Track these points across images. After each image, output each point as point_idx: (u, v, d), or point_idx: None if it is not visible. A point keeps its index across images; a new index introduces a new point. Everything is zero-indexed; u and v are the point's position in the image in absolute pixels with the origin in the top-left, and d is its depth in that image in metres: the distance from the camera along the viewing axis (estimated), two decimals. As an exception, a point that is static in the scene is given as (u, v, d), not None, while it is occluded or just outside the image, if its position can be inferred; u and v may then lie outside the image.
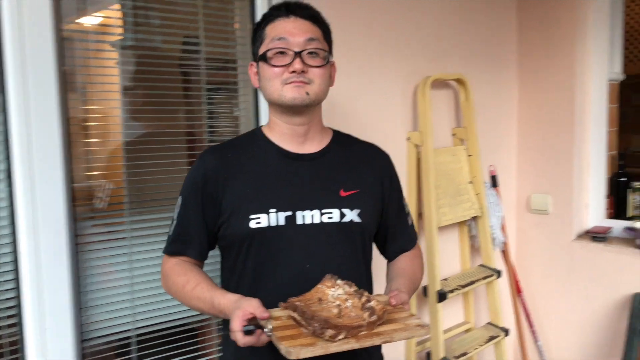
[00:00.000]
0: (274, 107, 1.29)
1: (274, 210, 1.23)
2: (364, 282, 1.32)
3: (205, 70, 1.77)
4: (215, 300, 1.17)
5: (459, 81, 2.17)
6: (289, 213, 1.23)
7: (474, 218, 2.21)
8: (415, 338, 2.06)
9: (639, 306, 2.12)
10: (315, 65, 1.23)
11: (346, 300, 1.10)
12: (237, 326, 1.05)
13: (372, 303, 1.08)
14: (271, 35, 1.25)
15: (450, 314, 2.27)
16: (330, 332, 1.01)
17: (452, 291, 2.03)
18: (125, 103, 1.67)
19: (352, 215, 1.27)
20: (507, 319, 2.38)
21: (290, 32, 1.23)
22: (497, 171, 2.39)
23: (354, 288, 1.13)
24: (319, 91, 1.25)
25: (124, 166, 1.65)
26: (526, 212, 2.53)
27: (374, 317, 1.05)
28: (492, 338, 2.16)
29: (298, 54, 1.22)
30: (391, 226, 1.40)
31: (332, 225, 1.25)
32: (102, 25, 1.67)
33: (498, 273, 2.18)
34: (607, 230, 2.34)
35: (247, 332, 1.04)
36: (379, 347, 1.35)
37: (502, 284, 2.35)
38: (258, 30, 1.30)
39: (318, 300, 1.10)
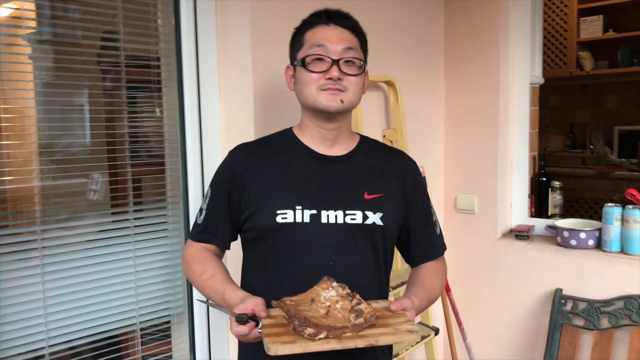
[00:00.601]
0: (307, 110, 1.33)
1: (300, 207, 1.27)
2: (384, 285, 1.39)
3: (126, 68, 1.67)
4: (227, 294, 1.23)
5: (389, 83, 2.18)
6: (314, 211, 1.27)
7: (405, 219, 2.22)
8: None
9: (559, 301, 2.21)
10: (351, 74, 1.28)
11: (337, 302, 1.12)
12: (232, 321, 1.11)
13: (361, 306, 1.10)
14: (310, 42, 1.30)
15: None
16: (309, 330, 1.03)
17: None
18: (40, 102, 1.56)
19: (374, 218, 1.31)
20: (437, 318, 2.41)
21: (329, 39, 1.28)
22: (425, 172, 2.41)
23: (346, 290, 1.15)
24: (352, 99, 1.30)
25: (39, 171, 1.53)
26: (453, 212, 2.58)
27: (359, 320, 1.07)
28: (423, 338, 2.18)
29: (336, 62, 1.26)
30: (414, 231, 1.42)
31: (355, 226, 1.29)
32: (13, 17, 1.56)
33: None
34: (530, 228, 2.42)
35: (240, 321, 1.09)
36: (388, 352, 1.41)
37: (432, 284, 2.37)
38: (297, 35, 1.35)
39: (311, 301, 1.12)
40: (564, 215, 2.68)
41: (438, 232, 1.48)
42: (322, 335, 1.04)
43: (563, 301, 2.20)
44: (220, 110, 1.78)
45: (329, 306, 1.11)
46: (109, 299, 1.63)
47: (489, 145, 2.45)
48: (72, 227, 1.60)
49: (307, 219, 1.27)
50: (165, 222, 1.77)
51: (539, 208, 2.66)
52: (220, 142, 1.78)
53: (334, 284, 1.16)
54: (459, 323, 2.38)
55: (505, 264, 2.41)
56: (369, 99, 2.18)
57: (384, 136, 2.23)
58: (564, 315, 2.19)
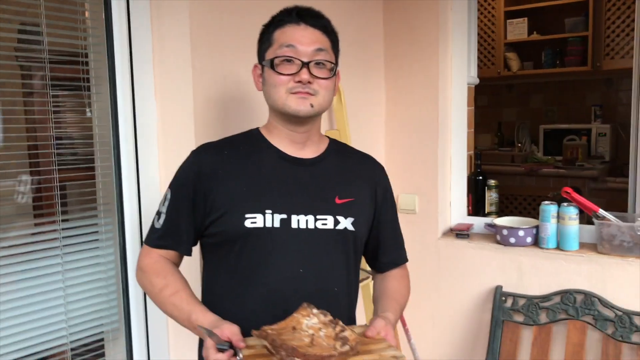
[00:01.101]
0: (276, 113, 1.28)
1: (270, 211, 1.22)
2: (352, 291, 1.36)
3: (48, 64, 1.52)
4: (194, 315, 1.16)
5: (331, 82, 2.13)
6: (284, 216, 1.23)
7: (349, 221, 2.18)
8: None
9: (500, 298, 2.25)
10: (321, 77, 1.23)
11: (320, 329, 1.09)
12: (212, 344, 1.05)
13: (346, 333, 1.07)
14: (280, 41, 1.24)
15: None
16: None
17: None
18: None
19: (346, 223, 1.27)
20: (382, 320, 2.40)
21: (300, 40, 1.23)
22: (368, 173, 2.39)
23: (329, 317, 1.12)
24: (323, 102, 1.25)
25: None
26: (395, 212, 2.57)
27: (345, 347, 1.04)
28: (369, 341, 2.15)
29: (306, 65, 1.21)
30: (384, 238, 1.41)
31: (326, 231, 1.25)
32: None
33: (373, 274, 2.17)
34: (470, 227, 2.45)
35: (220, 350, 1.04)
36: None
37: (376, 285, 2.35)
38: (265, 33, 1.29)
39: (292, 329, 1.08)
40: (499, 213, 2.74)
41: (402, 239, 1.49)
42: None
43: (503, 298, 2.24)
44: (156, 111, 1.65)
45: (313, 334, 1.07)
46: (35, 318, 1.49)
47: (429, 145, 2.46)
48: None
49: (277, 224, 1.22)
50: (97, 231, 1.64)
51: (475, 206, 2.71)
52: (157, 146, 1.66)
53: (315, 310, 1.12)
54: (404, 324, 2.37)
55: (446, 263, 2.43)
56: (311, 99, 2.13)
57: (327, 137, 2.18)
58: (505, 312, 2.23)
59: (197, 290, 1.32)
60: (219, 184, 1.24)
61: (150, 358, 1.71)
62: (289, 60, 1.22)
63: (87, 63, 1.62)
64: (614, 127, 4.22)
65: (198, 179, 1.25)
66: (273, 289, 1.21)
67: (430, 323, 2.48)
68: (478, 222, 2.49)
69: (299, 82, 1.21)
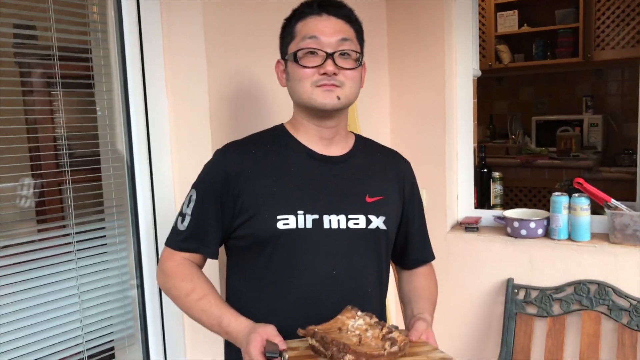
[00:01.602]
0: (302, 108, 1.24)
1: (302, 212, 1.18)
2: (384, 292, 1.33)
3: (52, 62, 1.44)
4: (225, 320, 1.13)
5: (341, 76, 2.09)
6: (316, 216, 1.19)
7: (360, 217, 2.15)
8: None
9: (512, 290, 2.24)
10: (347, 68, 1.19)
11: (366, 330, 1.07)
12: (257, 351, 1.02)
13: (394, 334, 1.05)
14: (302, 34, 1.20)
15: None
16: (349, 357, 0.97)
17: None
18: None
19: (377, 222, 1.24)
20: (394, 315, 2.38)
21: (322, 31, 1.18)
22: (376, 168, 2.36)
23: (374, 320, 1.10)
24: (349, 94, 1.21)
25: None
26: (402, 207, 2.54)
27: (394, 348, 1.02)
28: (383, 338, 2.13)
29: (330, 56, 1.17)
30: (412, 235, 1.39)
31: (358, 231, 1.22)
32: None
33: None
34: (478, 220, 2.44)
35: (271, 356, 1.00)
36: None
37: (387, 282, 2.33)
38: (287, 27, 1.25)
39: (338, 330, 1.07)
40: (504, 205, 2.74)
41: (429, 237, 1.48)
42: None
43: (516, 290, 2.24)
44: (167, 109, 1.60)
45: (360, 335, 1.06)
46: (50, 326, 1.42)
47: (435, 138, 2.44)
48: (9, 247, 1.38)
49: (309, 225, 1.18)
50: (111, 234, 1.58)
51: (481, 199, 2.70)
52: (170, 145, 1.61)
53: (359, 312, 1.11)
54: (416, 319, 2.36)
55: (456, 257, 2.42)
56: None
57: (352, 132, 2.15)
58: (518, 304, 2.22)
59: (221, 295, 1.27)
60: (247, 185, 1.20)
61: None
62: (312, 52, 1.18)
63: (91, 60, 1.55)
64: (604, 117, 4.26)
65: (226, 180, 1.20)
66: (306, 292, 1.18)
67: (441, 317, 2.44)
68: (486, 215, 2.48)
69: (324, 74, 1.17)
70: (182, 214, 1.25)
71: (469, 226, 2.39)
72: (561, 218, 2.16)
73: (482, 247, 2.34)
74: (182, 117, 1.60)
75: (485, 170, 2.72)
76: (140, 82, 1.57)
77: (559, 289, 2.16)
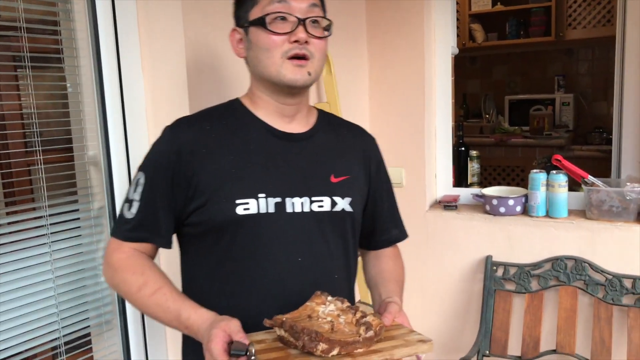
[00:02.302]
0: (263, 82, 1.14)
1: (263, 195, 1.09)
2: (352, 277, 1.26)
3: (15, 35, 1.36)
4: (184, 313, 1.03)
5: (320, 53, 2.04)
6: (279, 199, 1.10)
7: (340, 196, 2.13)
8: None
9: (491, 268, 2.26)
10: (318, 36, 1.11)
11: (338, 316, 1.01)
12: (219, 349, 0.93)
13: (368, 318, 0.99)
14: None
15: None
16: (322, 346, 0.91)
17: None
18: None
19: (343, 203, 1.17)
20: (374, 295, 2.37)
21: None
22: (355, 147, 2.34)
23: (346, 304, 1.04)
24: (318, 68, 1.12)
25: None
26: (381, 186, 2.53)
27: (370, 333, 0.96)
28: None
29: (302, 21, 1.08)
30: (380, 215, 1.31)
31: (322, 214, 1.14)
32: None
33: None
34: (457, 198, 2.44)
35: (233, 356, 0.92)
36: None
37: (368, 261, 2.32)
38: None
39: (308, 318, 1.00)
40: (481, 183, 2.75)
41: (400, 215, 1.41)
42: (334, 352, 0.92)
43: (494, 267, 2.26)
44: (143, 84, 1.53)
45: (332, 321, 0.99)
46: (24, 313, 1.36)
47: (414, 117, 2.42)
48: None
49: (271, 209, 1.09)
50: (88, 216, 1.52)
51: (458, 177, 2.70)
52: (147, 121, 1.54)
53: (330, 297, 1.05)
54: (396, 298, 2.36)
55: (435, 235, 2.42)
56: (299, 71, 2.04)
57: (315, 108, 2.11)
58: (496, 281, 2.24)
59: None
60: (202, 165, 1.09)
61: (148, 345, 1.61)
62: (282, 18, 1.08)
63: (60, 33, 1.47)
64: (575, 96, 4.31)
65: (178, 159, 1.09)
66: (270, 281, 1.10)
67: (420, 295, 2.47)
68: (464, 193, 2.49)
69: (296, 41, 1.07)
70: (128, 201, 1.13)
71: (448, 204, 2.40)
72: (539, 195, 2.18)
73: (461, 225, 2.35)
74: (158, 91, 1.53)
75: (463, 148, 2.72)
76: (114, 56, 1.49)
77: (536, 265, 2.18)
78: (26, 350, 1.39)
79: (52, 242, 1.42)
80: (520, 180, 3.99)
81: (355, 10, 2.39)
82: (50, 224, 1.42)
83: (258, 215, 1.08)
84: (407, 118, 2.43)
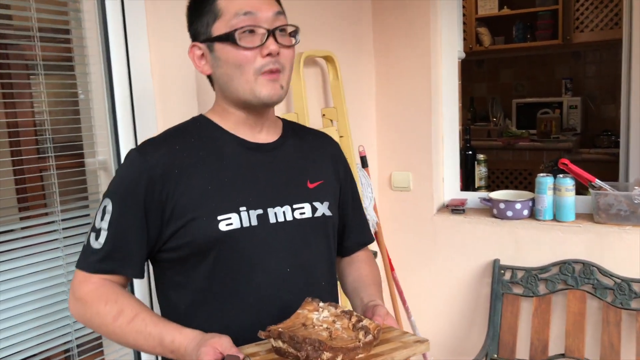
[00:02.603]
0: (233, 99, 1.09)
1: (244, 208, 1.06)
2: (335, 282, 1.24)
3: (27, 43, 1.39)
4: (168, 337, 0.97)
5: (327, 58, 2.06)
6: (260, 211, 1.08)
7: (348, 201, 2.14)
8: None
9: (498, 271, 2.26)
10: (287, 45, 1.07)
11: (334, 322, 0.99)
12: None
13: (365, 322, 0.97)
14: (232, 10, 1.03)
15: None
16: (327, 354, 0.88)
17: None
18: None
19: (323, 208, 1.16)
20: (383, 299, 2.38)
21: (257, 5, 1.03)
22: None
23: (340, 309, 1.01)
24: (289, 79, 1.09)
25: None
26: (388, 190, 2.54)
27: (369, 337, 0.95)
28: (372, 321, 2.13)
29: (271, 32, 1.03)
30: (349, 218, 1.30)
31: (305, 221, 1.12)
32: None
33: (374, 254, 2.15)
34: (464, 202, 2.45)
35: None
36: None
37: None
38: (202, 4, 1.07)
39: (302, 326, 0.97)
40: (488, 187, 2.75)
41: (366, 219, 1.40)
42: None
43: (502, 271, 2.26)
44: (153, 91, 1.55)
45: (328, 328, 0.97)
46: (37, 316, 1.38)
47: (421, 121, 2.43)
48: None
49: (254, 221, 1.06)
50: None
51: (466, 181, 2.71)
52: (157, 128, 1.56)
53: (321, 303, 1.02)
54: (404, 302, 2.37)
55: (443, 239, 2.43)
56: (306, 77, 2.05)
57: (324, 115, 2.13)
58: (504, 284, 2.24)
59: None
60: (177, 186, 1.04)
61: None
62: (250, 30, 1.03)
63: (71, 41, 1.50)
64: (583, 99, 4.31)
65: (149, 184, 1.03)
66: (260, 296, 1.06)
67: (427, 300, 2.47)
68: (472, 197, 2.49)
69: (269, 55, 1.03)
70: (95, 230, 1.06)
71: (455, 208, 2.40)
72: (546, 199, 2.18)
73: (469, 228, 2.36)
74: (168, 96, 1.55)
75: (470, 152, 2.72)
76: (124, 62, 1.52)
77: (544, 269, 2.19)
78: (39, 353, 1.41)
79: (64, 246, 1.44)
80: (528, 183, 3.98)
81: (361, 14, 2.41)
82: (63, 229, 1.44)
83: (242, 229, 1.05)
84: (413, 122, 2.44)
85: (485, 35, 4.46)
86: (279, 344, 0.92)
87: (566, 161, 2.13)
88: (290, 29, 1.09)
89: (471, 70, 4.93)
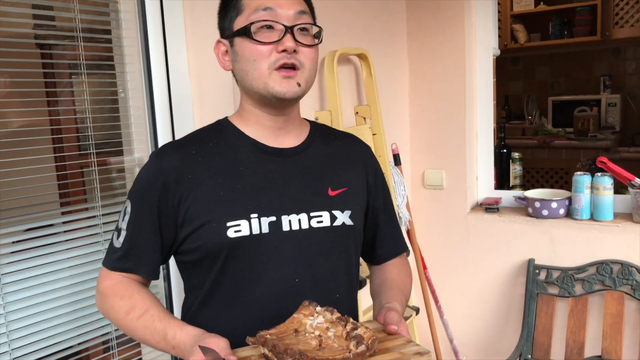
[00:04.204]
0: (253, 96, 1.08)
1: (256, 215, 1.04)
2: (355, 295, 1.22)
3: (72, 44, 1.43)
4: (170, 332, 0.99)
5: (361, 56, 2.07)
6: (273, 218, 1.05)
7: (380, 198, 2.14)
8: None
9: (533, 271, 2.23)
10: (307, 44, 1.05)
11: (327, 329, 0.94)
12: None
13: (359, 331, 0.92)
14: (252, 6, 1.03)
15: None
16: None
17: (368, 277, 1.95)
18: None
19: (343, 217, 1.11)
20: (415, 297, 2.38)
21: (279, 2, 1.02)
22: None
23: (336, 315, 0.97)
24: (309, 78, 1.06)
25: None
26: (421, 188, 2.54)
27: (361, 348, 0.89)
28: (405, 319, 2.12)
29: (289, 29, 1.02)
30: (380, 227, 1.26)
31: (322, 230, 1.08)
32: None
33: (407, 252, 2.14)
34: (498, 200, 2.42)
35: None
36: None
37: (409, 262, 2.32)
38: (230, 1, 1.08)
39: (294, 332, 0.94)
40: (524, 185, 2.71)
41: (400, 227, 1.34)
42: None
43: (537, 271, 2.23)
44: (191, 89, 1.58)
45: (320, 336, 0.93)
46: (77, 308, 1.43)
47: (455, 118, 2.41)
48: (22, 233, 1.39)
49: (265, 229, 1.04)
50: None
51: (500, 180, 2.68)
52: (193, 126, 1.60)
53: (318, 308, 0.98)
54: (436, 301, 2.36)
55: (476, 238, 2.41)
56: (339, 74, 2.06)
57: (357, 113, 2.13)
58: (539, 284, 2.21)
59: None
60: (190, 191, 1.05)
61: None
62: (268, 26, 1.02)
63: (109, 41, 1.54)
64: (623, 96, 4.20)
65: (164, 188, 1.05)
66: (265, 306, 1.05)
67: (460, 299, 2.46)
68: (506, 195, 2.46)
69: (284, 51, 1.01)
70: (117, 229, 1.10)
71: (489, 207, 2.38)
72: (583, 198, 2.14)
73: (503, 227, 2.33)
74: (205, 95, 1.59)
75: (505, 150, 2.69)
76: (163, 63, 1.55)
77: (581, 269, 2.15)
78: (79, 344, 1.46)
79: (104, 240, 1.49)
80: (565, 183, 3.90)
81: (396, 12, 2.40)
82: (103, 223, 1.49)
83: (250, 236, 1.04)
84: (447, 120, 2.43)
85: (520, 32, 4.39)
86: (266, 351, 0.90)
87: (604, 159, 2.08)
88: (314, 30, 1.07)
89: (506, 67, 4.86)
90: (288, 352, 0.85)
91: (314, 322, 0.95)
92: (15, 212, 1.37)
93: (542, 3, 4.31)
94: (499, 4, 4.34)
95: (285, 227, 1.06)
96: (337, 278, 1.12)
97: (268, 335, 0.90)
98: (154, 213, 1.06)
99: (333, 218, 1.10)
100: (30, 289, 1.35)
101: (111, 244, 1.11)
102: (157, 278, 1.12)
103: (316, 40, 1.07)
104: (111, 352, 1.53)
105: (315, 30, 1.08)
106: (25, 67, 1.40)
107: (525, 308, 2.22)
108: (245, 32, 1.03)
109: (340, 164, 1.18)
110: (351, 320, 0.96)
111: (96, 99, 1.55)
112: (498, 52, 2.66)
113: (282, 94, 1.04)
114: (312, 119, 1.90)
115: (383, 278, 1.24)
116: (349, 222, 1.12)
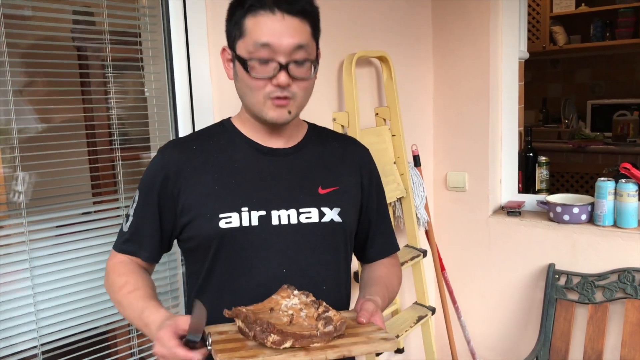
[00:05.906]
0: (249, 111, 1.16)
1: (246, 208, 1.12)
2: (343, 288, 1.24)
3: (103, 45, 1.53)
4: (146, 311, 1.06)
5: (381, 58, 2.10)
6: (263, 212, 1.13)
7: (399, 199, 2.17)
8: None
9: (553, 276, 2.22)
10: (301, 78, 1.10)
11: (300, 310, 1.01)
12: (169, 335, 0.94)
13: (330, 313, 0.98)
14: (253, 37, 1.07)
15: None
16: (273, 337, 0.91)
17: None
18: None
19: (332, 214, 1.17)
20: (432, 298, 2.40)
21: (276, 36, 1.06)
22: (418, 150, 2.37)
23: (311, 298, 1.03)
24: (301, 104, 1.14)
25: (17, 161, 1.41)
26: (444, 190, 2.55)
27: (329, 328, 0.95)
28: (420, 318, 2.15)
29: (284, 67, 1.07)
30: (372, 227, 1.31)
31: (310, 225, 1.15)
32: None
33: (424, 253, 2.17)
34: (521, 204, 2.41)
35: (188, 344, 0.92)
36: None
37: (427, 263, 2.35)
38: (235, 15, 1.11)
39: (269, 310, 1.00)
40: (550, 190, 2.69)
41: (391, 226, 1.38)
42: (287, 344, 0.92)
43: (557, 276, 2.21)
44: (211, 92, 1.66)
45: (292, 314, 0.99)
46: (103, 292, 1.54)
47: (479, 121, 2.42)
48: (59, 219, 1.50)
49: (255, 222, 1.12)
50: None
51: (526, 184, 2.66)
52: (213, 121, 1.67)
53: (295, 291, 1.05)
54: (454, 302, 2.37)
55: (497, 241, 2.41)
56: (359, 75, 2.10)
57: (377, 114, 2.17)
58: (558, 290, 2.20)
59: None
60: (187, 184, 1.14)
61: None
62: (265, 61, 1.07)
63: (140, 43, 1.64)
64: (666, 101, 4.07)
65: (165, 180, 1.15)
66: (254, 294, 1.09)
67: (479, 301, 2.46)
68: (529, 199, 2.45)
69: (278, 85, 1.08)
70: (126, 215, 1.22)
71: (511, 210, 2.38)
72: (606, 204, 2.11)
73: (524, 231, 2.32)
74: (225, 96, 1.66)
75: (531, 154, 2.67)
76: (185, 65, 1.64)
77: (602, 276, 2.12)
78: (105, 325, 1.56)
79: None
80: (599, 188, 3.81)
81: (420, 15, 2.42)
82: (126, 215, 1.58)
83: (241, 228, 1.11)
84: (471, 122, 2.43)
85: (559, 34, 4.32)
86: (240, 323, 0.96)
87: (628, 165, 2.05)
88: (309, 64, 1.11)
89: (545, 69, 4.78)
90: (257, 322, 0.92)
91: (289, 302, 1.02)
92: (53, 200, 1.48)
93: (583, 4, 4.22)
94: (537, 5, 4.31)
95: (275, 221, 1.13)
96: (324, 271, 1.18)
97: (244, 309, 0.97)
98: (155, 203, 1.16)
99: (321, 214, 1.16)
100: (57, 273, 1.46)
101: (121, 228, 1.22)
102: (156, 262, 1.23)
103: (311, 72, 1.12)
104: (133, 334, 1.62)
105: (310, 64, 1.11)
106: (62, 67, 1.51)
107: (544, 313, 2.21)
108: (243, 64, 1.09)
109: (334, 164, 1.24)
110: (324, 304, 1.01)
111: (124, 97, 1.65)
112: (526, 55, 2.65)
113: (275, 120, 1.12)
114: (330, 119, 1.97)
115: (371, 275, 1.29)
116: (337, 219, 1.18)
